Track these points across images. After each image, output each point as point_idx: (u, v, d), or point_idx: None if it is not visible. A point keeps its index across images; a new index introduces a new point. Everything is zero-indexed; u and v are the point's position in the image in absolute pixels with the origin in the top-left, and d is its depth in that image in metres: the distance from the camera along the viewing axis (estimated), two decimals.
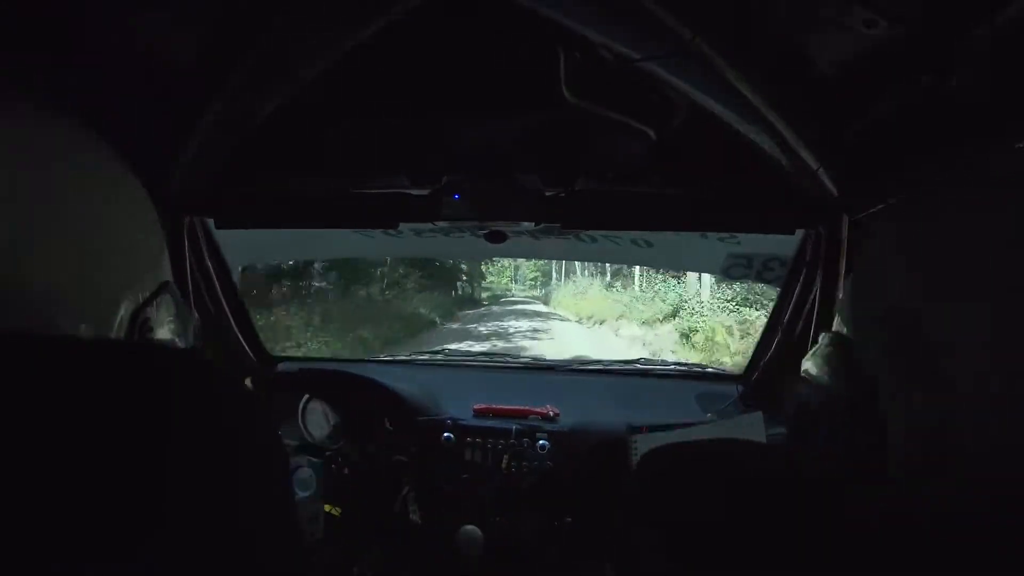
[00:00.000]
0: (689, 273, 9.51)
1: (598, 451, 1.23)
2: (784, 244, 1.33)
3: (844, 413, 0.44)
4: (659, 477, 0.44)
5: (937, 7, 0.67)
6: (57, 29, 0.70)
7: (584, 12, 0.82)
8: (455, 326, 11.99)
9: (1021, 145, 0.70)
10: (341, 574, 1.26)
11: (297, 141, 1.13)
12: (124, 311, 0.52)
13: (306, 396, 1.38)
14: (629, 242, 1.47)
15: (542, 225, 1.22)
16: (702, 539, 0.37)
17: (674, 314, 9.77)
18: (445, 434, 1.28)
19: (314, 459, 1.28)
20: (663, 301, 10.85)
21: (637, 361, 1.71)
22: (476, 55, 0.96)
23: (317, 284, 10.74)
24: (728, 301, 8.96)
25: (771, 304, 1.53)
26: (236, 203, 1.28)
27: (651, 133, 1.07)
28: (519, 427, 1.28)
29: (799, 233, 1.27)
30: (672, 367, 1.71)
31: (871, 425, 0.39)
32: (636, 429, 1.18)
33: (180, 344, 0.56)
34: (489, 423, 1.30)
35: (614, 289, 15.36)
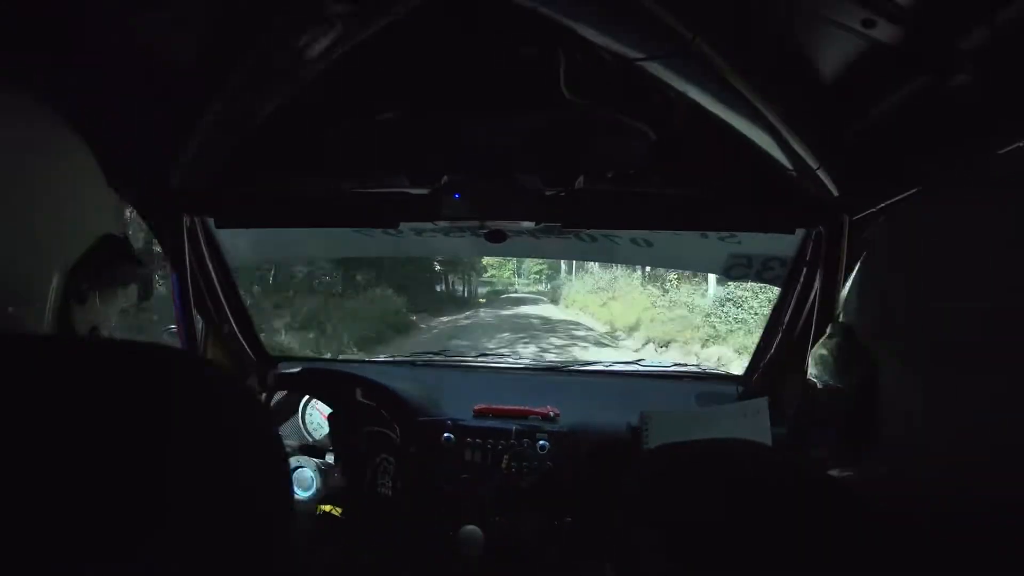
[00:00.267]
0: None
1: (598, 451, 1.23)
2: (784, 244, 1.33)
3: (845, 413, 0.44)
4: (659, 477, 0.44)
5: (937, 7, 0.67)
6: (57, 29, 0.70)
7: (584, 12, 0.81)
8: (426, 337, 9.90)
9: (1021, 145, 0.70)
10: (341, 574, 1.26)
11: (297, 141, 1.13)
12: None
13: (306, 396, 1.38)
14: (629, 242, 1.47)
15: (542, 225, 1.22)
16: (702, 539, 0.37)
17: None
18: (445, 434, 1.28)
19: (314, 459, 1.28)
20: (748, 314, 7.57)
21: (637, 361, 1.71)
22: (476, 55, 0.96)
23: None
24: None
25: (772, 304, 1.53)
26: (236, 203, 1.28)
27: (651, 133, 1.07)
28: (519, 427, 1.28)
29: (799, 233, 1.27)
30: (672, 367, 1.71)
31: (873, 424, 0.38)
32: (637, 429, 1.18)
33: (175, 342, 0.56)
34: (489, 423, 1.30)
35: (656, 287, 11.22)
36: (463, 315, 14.06)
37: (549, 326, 11.54)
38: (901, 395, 0.37)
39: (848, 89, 0.86)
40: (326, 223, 1.40)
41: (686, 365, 1.84)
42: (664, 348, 8.04)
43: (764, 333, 1.47)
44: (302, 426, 1.40)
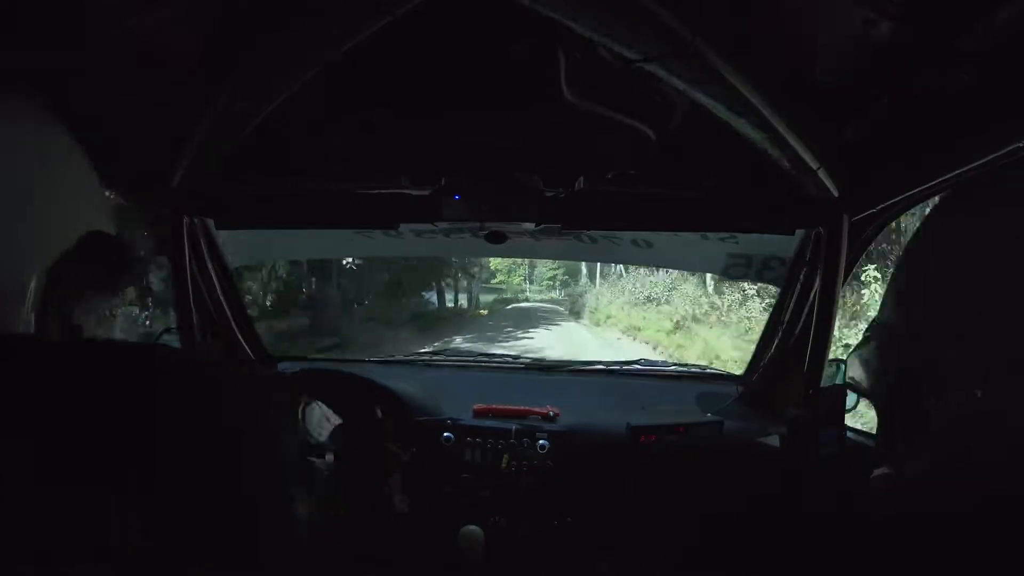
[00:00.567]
0: None
1: (598, 451, 1.23)
2: (784, 244, 1.33)
3: (885, 413, 0.42)
4: (659, 477, 0.44)
5: (937, 7, 0.67)
6: (57, 29, 0.70)
7: (584, 12, 0.81)
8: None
9: (1021, 145, 0.70)
10: (341, 574, 1.26)
11: (297, 141, 1.13)
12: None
13: (306, 396, 1.38)
14: (629, 242, 1.47)
15: (542, 225, 1.22)
16: (701, 539, 0.37)
17: None
18: (445, 434, 1.28)
19: (314, 459, 1.28)
20: None
21: (637, 361, 1.71)
22: (476, 55, 0.96)
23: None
24: None
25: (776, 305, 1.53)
26: (236, 203, 1.28)
27: (651, 133, 1.07)
28: (519, 427, 1.28)
29: (799, 233, 1.27)
30: (672, 367, 1.71)
31: (914, 423, 0.37)
32: (636, 429, 1.18)
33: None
34: (489, 423, 1.30)
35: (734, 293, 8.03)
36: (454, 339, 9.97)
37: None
38: (943, 394, 0.36)
39: (848, 89, 0.86)
40: (326, 224, 1.40)
41: (686, 365, 1.84)
42: None
43: (764, 333, 1.47)
44: (302, 426, 1.39)
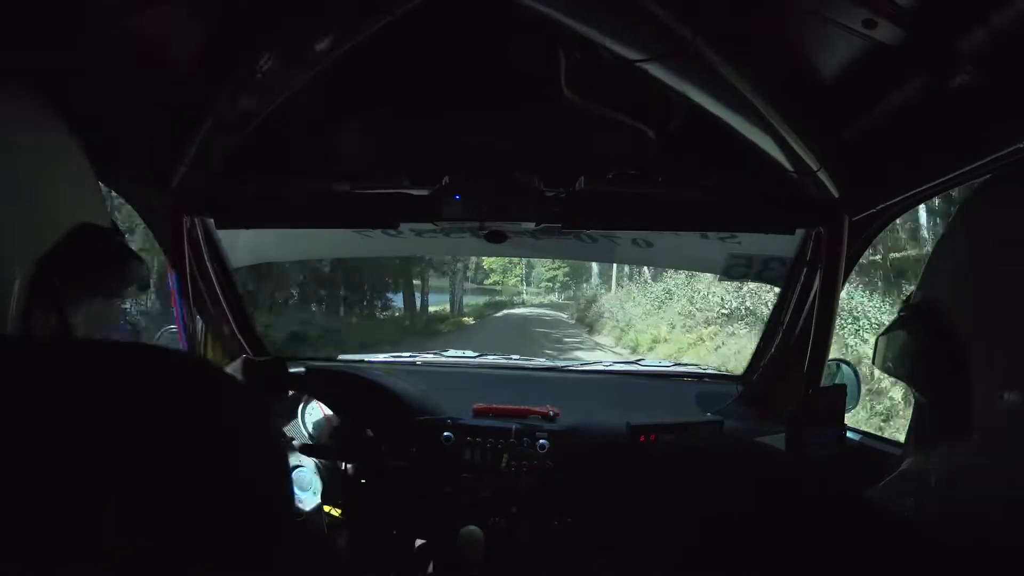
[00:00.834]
0: None
1: (598, 451, 1.23)
2: (784, 244, 1.33)
3: (917, 403, 0.41)
4: (659, 477, 0.44)
5: (937, 7, 0.67)
6: (57, 29, 0.70)
7: (584, 12, 0.81)
8: None
9: (1021, 145, 0.70)
10: (341, 574, 1.26)
11: (297, 141, 1.13)
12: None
13: (306, 396, 1.38)
14: (629, 242, 1.48)
15: (542, 225, 1.22)
16: (702, 539, 0.37)
17: None
18: (445, 434, 1.28)
19: (314, 459, 1.28)
20: None
21: (637, 361, 1.71)
22: (476, 55, 0.96)
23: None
24: None
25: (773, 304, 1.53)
26: (236, 203, 1.28)
27: (651, 133, 1.07)
28: (519, 427, 1.28)
29: (799, 233, 1.27)
30: (672, 367, 1.71)
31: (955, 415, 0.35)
32: (636, 429, 1.18)
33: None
34: (489, 423, 1.30)
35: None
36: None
37: None
38: (993, 390, 0.34)
39: (848, 89, 0.86)
40: (326, 223, 1.40)
41: (686, 365, 1.84)
42: None
43: (764, 333, 1.47)
44: (302, 426, 1.39)
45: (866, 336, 6.03)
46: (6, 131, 0.45)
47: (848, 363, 1.36)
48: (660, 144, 1.08)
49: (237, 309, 1.47)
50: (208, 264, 1.37)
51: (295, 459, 1.27)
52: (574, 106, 1.01)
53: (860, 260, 1.31)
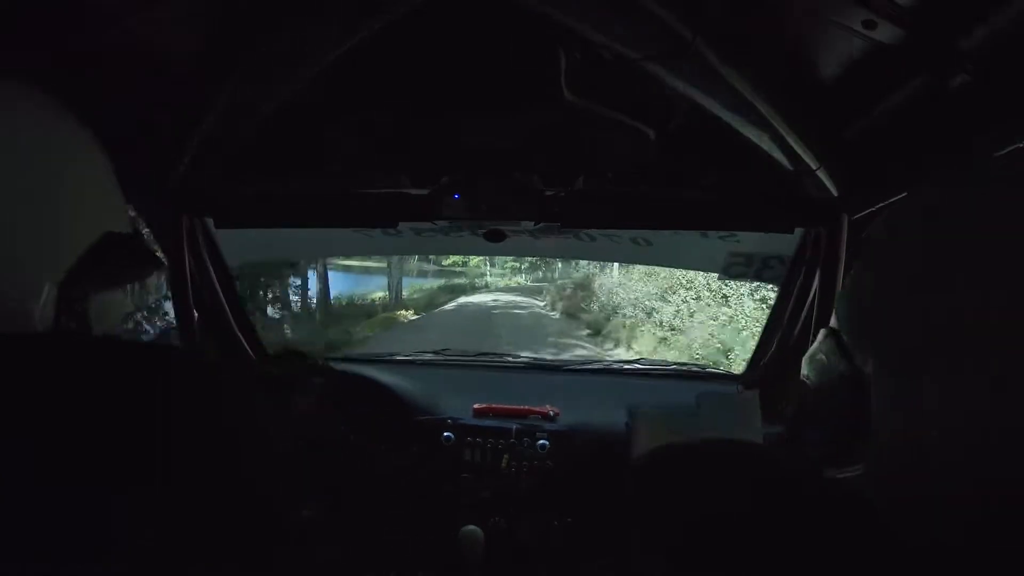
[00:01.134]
0: None
1: (598, 451, 1.23)
2: (784, 243, 1.33)
3: (836, 414, 0.43)
4: (659, 477, 0.44)
5: (937, 7, 0.67)
6: (57, 29, 0.70)
7: (584, 12, 0.81)
8: None
9: (1022, 145, 0.70)
10: (341, 574, 1.26)
11: (297, 141, 1.13)
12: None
13: (306, 396, 1.38)
14: (629, 241, 1.48)
15: (542, 224, 1.22)
16: (702, 539, 0.37)
17: None
18: (445, 434, 1.28)
19: (314, 459, 1.28)
20: None
21: (637, 361, 1.71)
22: (476, 55, 0.96)
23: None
24: None
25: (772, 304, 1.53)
26: (235, 203, 1.28)
27: (651, 133, 1.07)
28: (519, 427, 1.28)
29: (799, 232, 1.27)
30: (672, 367, 1.71)
31: (864, 425, 0.38)
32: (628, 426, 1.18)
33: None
34: (489, 423, 1.30)
35: None
36: None
37: None
38: (883, 396, 0.37)
39: (848, 89, 0.86)
40: (326, 223, 1.40)
41: (686, 364, 1.84)
42: None
43: (764, 332, 1.47)
44: (302, 426, 1.39)
45: None
46: (6, 131, 0.45)
47: None
48: (660, 144, 1.08)
49: (237, 309, 1.47)
50: (208, 264, 1.37)
51: (295, 459, 1.26)
52: (574, 106, 1.01)
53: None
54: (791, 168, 1.05)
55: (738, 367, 1.66)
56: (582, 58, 0.96)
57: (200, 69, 0.89)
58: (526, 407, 1.33)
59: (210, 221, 1.33)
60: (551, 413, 1.33)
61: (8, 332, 0.43)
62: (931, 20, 0.67)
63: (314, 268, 10.29)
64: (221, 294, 1.42)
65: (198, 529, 0.33)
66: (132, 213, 1.22)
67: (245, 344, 1.48)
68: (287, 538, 0.41)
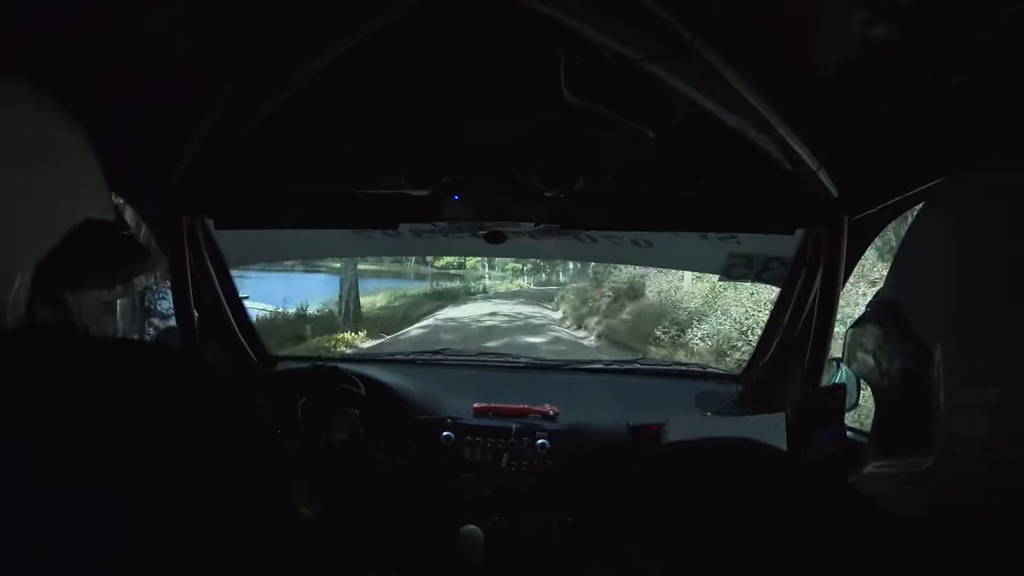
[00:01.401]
0: None
1: (598, 450, 1.23)
2: (784, 244, 1.33)
3: (887, 403, 0.41)
4: (658, 477, 0.44)
5: (937, 7, 0.67)
6: (57, 29, 0.70)
7: (584, 12, 0.81)
8: None
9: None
10: (341, 574, 1.26)
11: (297, 141, 1.13)
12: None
13: (306, 396, 1.38)
14: (629, 242, 1.47)
15: (542, 225, 1.22)
16: (702, 538, 0.37)
17: None
18: (445, 433, 1.28)
19: (314, 459, 1.28)
20: None
21: (637, 361, 1.71)
22: (476, 55, 0.96)
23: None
24: None
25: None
26: (236, 203, 1.28)
27: (651, 133, 1.07)
28: (519, 426, 1.28)
29: (799, 233, 1.27)
30: (672, 367, 1.71)
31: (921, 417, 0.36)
32: (636, 429, 1.18)
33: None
34: (489, 422, 1.30)
35: None
36: None
37: None
38: (956, 389, 0.35)
39: (848, 89, 0.86)
40: (326, 224, 1.40)
41: (686, 364, 1.84)
42: None
43: (764, 333, 1.47)
44: (302, 426, 1.39)
45: None
46: (6, 131, 0.45)
47: None
48: (660, 144, 1.08)
49: (237, 309, 1.47)
50: (208, 264, 1.37)
51: (295, 459, 1.27)
52: (574, 106, 1.01)
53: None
54: (791, 169, 1.05)
55: (738, 367, 1.66)
56: (582, 58, 0.96)
57: (200, 69, 0.88)
58: (526, 406, 1.33)
59: (210, 221, 1.33)
60: (551, 412, 1.33)
61: (8, 332, 0.43)
62: (931, 20, 0.67)
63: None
64: (221, 294, 1.42)
65: (198, 529, 0.33)
66: (132, 213, 1.23)
67: (245, 344, 1.48)
68: (287, 538, 0.41)
